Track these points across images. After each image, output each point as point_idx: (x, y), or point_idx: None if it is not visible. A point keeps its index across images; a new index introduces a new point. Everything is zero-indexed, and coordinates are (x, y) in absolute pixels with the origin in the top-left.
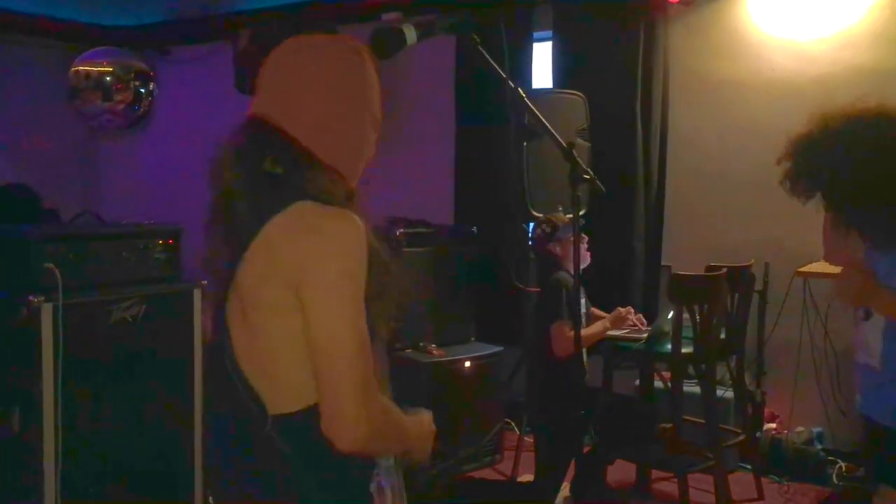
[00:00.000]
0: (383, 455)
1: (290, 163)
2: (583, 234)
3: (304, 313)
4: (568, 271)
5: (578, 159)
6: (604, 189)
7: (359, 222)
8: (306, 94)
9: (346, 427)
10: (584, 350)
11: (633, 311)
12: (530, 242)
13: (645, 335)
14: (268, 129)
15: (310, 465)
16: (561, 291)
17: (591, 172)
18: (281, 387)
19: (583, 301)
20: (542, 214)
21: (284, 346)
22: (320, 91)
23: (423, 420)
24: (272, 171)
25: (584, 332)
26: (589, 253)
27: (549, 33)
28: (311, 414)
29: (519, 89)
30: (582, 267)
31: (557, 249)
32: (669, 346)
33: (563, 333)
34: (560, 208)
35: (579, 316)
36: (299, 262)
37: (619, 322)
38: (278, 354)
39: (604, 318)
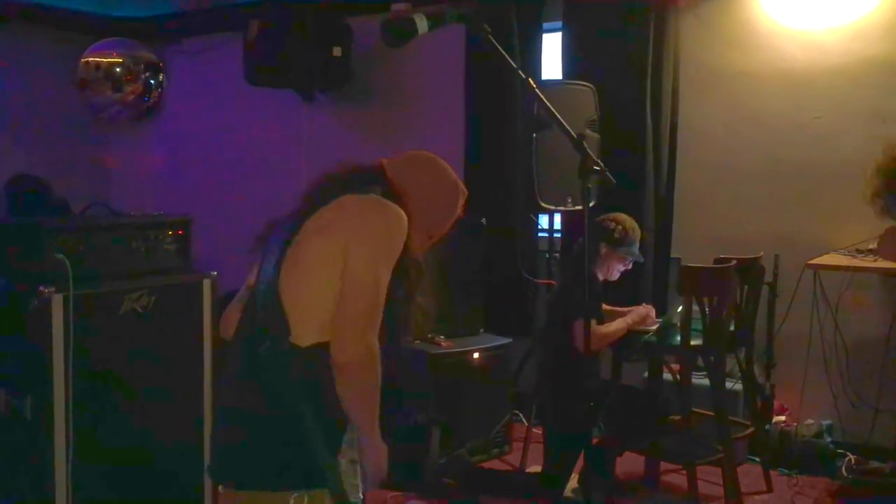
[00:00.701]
0: (356, 402)
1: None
2: (627, 258)
3: (346, 261)
4: (595, 271)
5: (589, 151)
6: (614, 181)
7: (405, 220)
8: (418, 190)
9: (346, 340)
10: None
11: (652, 308)
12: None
13: (654, 327)
14: (383, 178)
15: (305, 396)
16: (592, 288)
17: (601, 164)
18: (306, 320)
19: None
20: (608, 214)
21: (322, 287)
22: (432, 193)
23: (383, 447)
24: (374, 191)
25: (606, 329)
26: (622, 273)
27: (559, 24)
28: (318, 350)
29: (530, 79)
30: (603, 278)
31: (603, 251)
32: (678, 338)
33: (590, 331)
34: (569, 200)
35: (601, 313)
36: (355, 225)
37: (641, 321)
38: (314, 292)
39: (619, 312)
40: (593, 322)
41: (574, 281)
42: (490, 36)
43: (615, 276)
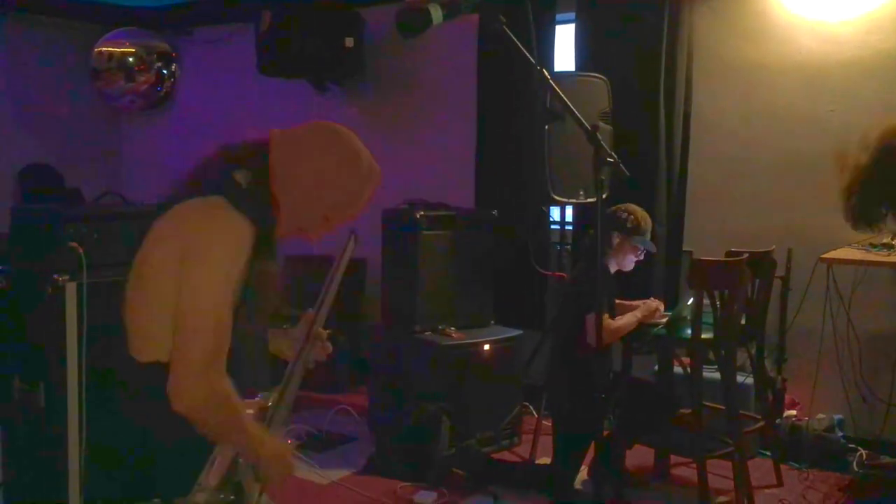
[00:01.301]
0: (217, 438)
1: (253, 181)
2: (641, 248)
3: (181, 280)
4: (607, 264)
5: (602, 142)
6: (627, 173)
7: (247, 229)
8: (303, 167)
9: (182, 387)
10: None
11: (661, 302)
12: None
13: (663, 321)
14: (261, 156)
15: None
16: (604, 281)
17: (615, 156)
18: (142, 336)
19: None
20: (622, 204)
21: (156, 303)
22: (325, 173)
23: (282, 445)
24: (237, 180)
25: (617, 323)
26: (635, 264)
27: (572, 16)
28: (156, 370)
29: (544, 71)
30: (615, 270)
31: (616, 242)
32: (689, 332)
33: (601, 325)
34: (581, 192)
35: (614, 307)
36: (190, 242)
37: (650, 315)
38: (149, 308)
39: (627, 306)
40: (605, 315)
41: (586, 274)
42: (504, 26)
43: (629, 266)
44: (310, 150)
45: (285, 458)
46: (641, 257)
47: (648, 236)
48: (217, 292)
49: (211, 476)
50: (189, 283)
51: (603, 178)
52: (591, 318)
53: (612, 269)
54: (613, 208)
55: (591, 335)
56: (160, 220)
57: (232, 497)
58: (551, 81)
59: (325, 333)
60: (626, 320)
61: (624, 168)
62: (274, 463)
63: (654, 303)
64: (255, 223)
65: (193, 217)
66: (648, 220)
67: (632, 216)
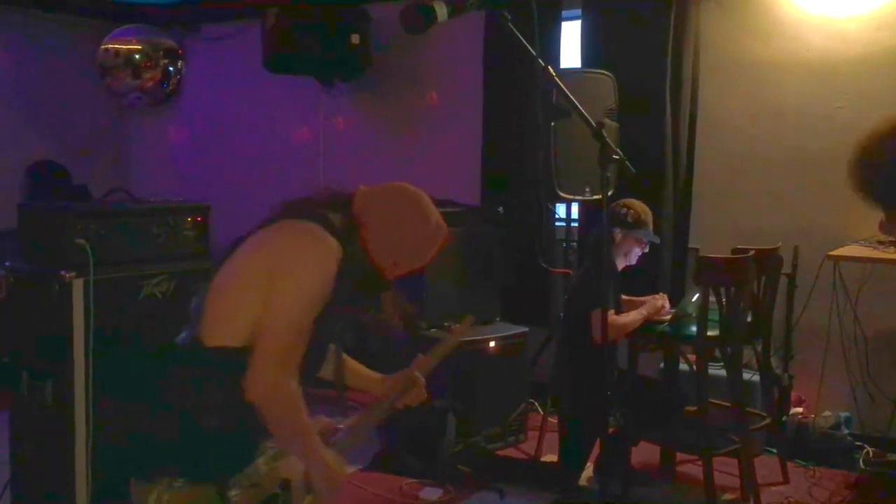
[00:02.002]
0: (276, 431)
1: (343, 222)
2: (643, 240)
3: (271, 289)
4: (612, 260)
5: (608, 139)
6: (633, 170)
7: (335, 249)
8: (381, 218)
9: (254, 378)
10: None
11: (666, 298)
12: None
13: (668, 317)
14: (348, 203)
15: (194, 393)
16: (610, 278)
17: (620, 153)
18: (215, 321)
19: None
20: (622, 200)
21: (237, 297)
22: (400, 227)
23: (336, 458)
24: (329, 217)
25: (623, 319)
26: (641, 258)
27: (578, 12)
28: (221, 353)
29: (549, 67)
30: (622, 266)
31: (619, 237)
32: (694, 329)
33: (606, 321)
34: (587, 189)
35: (620, 304)
36: (283, 253)
37: (655, 311)
38: (228, 299)
39: (635, 302)
40: (611, 312)
41: (592, 271)
42: (510, 23)
43: (634, 260)
44: (388, 205)
45: (335, 470)
46: (647, 249)
47: (650, 227)
48: (302, 301)
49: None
50: (278, 290)
51: (609, 175)
52: (596, 315)
53: (620, 265)
54: (612, 205)
55: (596, 331)
56: (260, 232)
57: (278, 490)
58: (557, 78)
59: (422, 381)
60: (632, 317)
61: (629, 165)
62: (322, 471)
63: (660, 299)
64: (343, 247)
65: (289, 233)
66: (648, 212)
67: (631, 210)
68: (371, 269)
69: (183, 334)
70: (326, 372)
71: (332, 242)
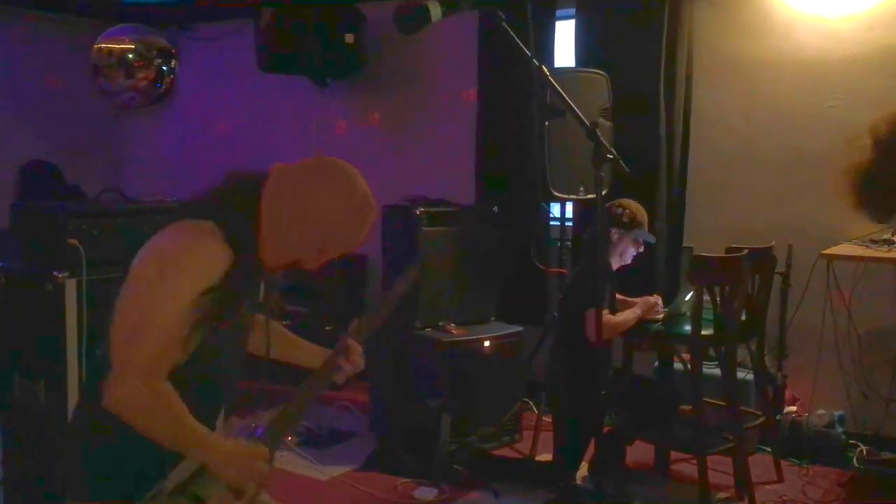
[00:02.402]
0: (156, 439)
1: (242, 210)
2: (639, 240)
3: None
4: (606, 259)
5: (602, 139)
6: (627, 169)
7: (222, 254)
8: (292, 198)
9: (113, 386)
10: None
11: (660, 297)
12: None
13: (661, 316)
14: (257, 185)
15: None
16: (605, 277)
17: (614, 152)
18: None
19: None
20: (617, 200)
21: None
22: (319, 207)
23: (247, 448)
24: (230, 206)
25: (617, 319)
26: (636, 257)
27: (573, 11)
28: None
29: (543, 67)
30: (617, 265)
31: (615, 237)
32: (688, 328)
33: (601, 320)
34: (582, 188)
35: (615, 303)
36: (165, 256)
37: (649, 310)
38: (120, 304)
39: (629, 303)
40: (605, 311)
41: (587, 270)
42: (503, 23)
43: (629, 259)
44: (301, 183)
45: (246, 458)
46: (642, 249)
47: (646, 227)
48: (173, 305)
49: (169, 481)
50: (150, 292)
51: (603, 174)
52: (590, 314)
53: (615, 264)
54: (608, 205)
55: (591, 331)
56: (155, 236)
57: None
58: (551, 77)
59: (359, 348)
60: (626, 316)
61: (624, 164)
62: (230, 464)
63: (654, 299)
64: (235, 250)
65: (175, 233)
66: (644, 212)
67: (627, 210)
68: (262, 269)
69: (100, 350)
70: (259, 348)
71: (218, 245)
